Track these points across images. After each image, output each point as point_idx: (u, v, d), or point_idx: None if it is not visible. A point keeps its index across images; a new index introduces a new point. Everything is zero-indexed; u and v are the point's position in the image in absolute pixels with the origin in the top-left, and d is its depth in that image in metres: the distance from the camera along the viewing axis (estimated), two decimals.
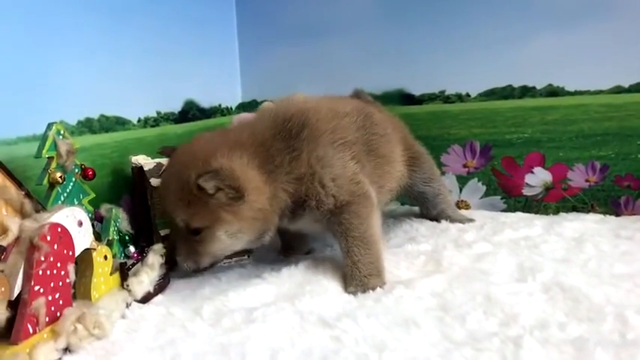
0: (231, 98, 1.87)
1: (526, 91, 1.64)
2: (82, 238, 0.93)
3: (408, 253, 1.23)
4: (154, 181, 1.24)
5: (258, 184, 1.03)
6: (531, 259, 1.14)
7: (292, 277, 1.11)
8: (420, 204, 1.56)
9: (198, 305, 0.99)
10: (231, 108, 1.87)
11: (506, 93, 1.66)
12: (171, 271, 1.15)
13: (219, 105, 1.80)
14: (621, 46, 1.53)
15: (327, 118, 1.15)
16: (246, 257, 1.29)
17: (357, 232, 1.08)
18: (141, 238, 1.27)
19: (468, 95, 1.70)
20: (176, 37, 1.61)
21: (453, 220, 1.49)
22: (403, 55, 1.75)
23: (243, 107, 1.92)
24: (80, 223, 0.93)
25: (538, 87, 1.63)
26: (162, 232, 1.23)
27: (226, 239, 1.03)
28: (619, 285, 0.98)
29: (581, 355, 0.74)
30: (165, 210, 1.06)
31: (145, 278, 1.04)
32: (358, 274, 1.06)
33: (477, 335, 0.82)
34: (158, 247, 1.12)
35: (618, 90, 1.56)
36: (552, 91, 1.62)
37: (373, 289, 1.03)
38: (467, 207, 1.72)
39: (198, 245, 1.03)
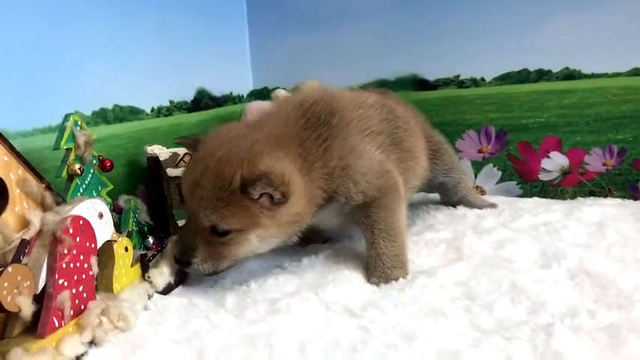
0: (243, 86, 1.86)
1: (542, 75, 1.62)
2: (103, 230, 0.93)
3: (428, 241, 1.21)
4: (171, 171, 1.22)
5: (300, 188, 0.97)
6: (554, 245, 1.12)
7: (313, 266, 1.10)
8: (440, 192, 1.54)
9: (221, 296, 0.98)
10: (243, 96, 1.85)
11: (521, 77, 1.64)
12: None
13: (231, 93, 1.78)
14: (638, 27, 1.50)
15: (353, 106, 1.12)
16: None
17: (384, 224, 1.06)
18: (157, 228, 1.27)
19: (483, 80, 1.68)
20: (187, 26, 1.59)
21: (474, 206, 1.48)
22: (417, 40, 1.73)
23: (255, 95, 1.90)
24: (101, 215, 0.92)
25: (554, 70, 1.60)
26: (181, 223, 1.22)
27: (256, 243, 0.97)
28: None
29: (614, 342, 0.73)
30: (191, 206, 0.97)
31: (166, 269, 1.03)
32: (382, 266, 1.04)
33: (505, 324, 0.81)
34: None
35: (636, 72, 1.53)
36: (569, 75, 1.59)
37: (396, 280, 1.02)
38: (482, 193, 1.71)
39: (222, 247, 0.96)
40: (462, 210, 1.44)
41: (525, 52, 1.62)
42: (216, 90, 1.70)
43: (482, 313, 0.85)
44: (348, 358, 0.75)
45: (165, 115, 1.48)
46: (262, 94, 1.89)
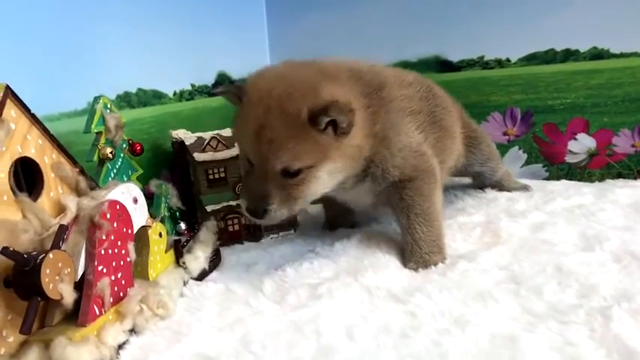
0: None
1: (569, 55, 1.58)
2: (139, 215, 0.90)
3: (461, 225, 1.19)
4: (198, 156, 1.20)
5: (360, 119, 0.94)
6: (592, 228, 1.10)
7: (347, 251, 1.08)
8: (473, 178, 1.51)
9: (258, 281, 0.96)
10: None
11: (548, 57, 1.60)
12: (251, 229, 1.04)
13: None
14: None
15: (397, 84, 1.10)
16: (292, 231, 1.26)
17: (420, 209, 1.04)
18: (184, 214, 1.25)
19: (508, 60, 1.64)
20: (206, 8, 1.56)
21: (506, 190, 1.45)
22: (440, 20, 1.69)
23: None
24: (135, 200, 0.90)
25: (582, 50, 1.57)
26: (209, 209, 1.20)
27: (326, 178, 0.94)
28: None
29: None
30: (259, 152, 0.91)
31: (201, 255, 1.01)
32: (419, 251, 1.02)
33: (558, 307, 0.79)
34: (211, 223, 1.09)
35: None
36: (597, 54, 1.56)
37: (435, 265, 1.00)
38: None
39: (295, 189, 0.92)
40: (491, 193, 1.41)
41: (552, 32, 1.58)
42: (235, 73, 1.67)
43: (531, 297, 0.83)
44: (400, 344, 0.73)
45: (187, 99, 1.45)
46: None
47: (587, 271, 0.90)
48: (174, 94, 1.40)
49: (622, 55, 1.54)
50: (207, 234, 1.06)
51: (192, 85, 1.47)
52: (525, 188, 1.46)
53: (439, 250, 1.04)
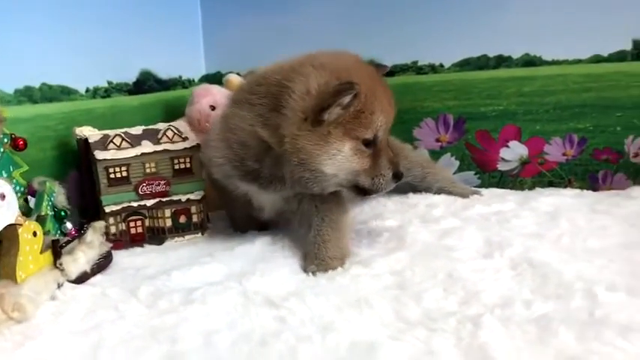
0: (194, 70, 1.78)
1: (502, 61, 1.56)
2: (5, 212, 0.85)
3: (371, 230, 1.16)
4: (99, 154, 1.15)
5: None
6: (500, 235, 1.07)
7: (246, 254, 1.04)
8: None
9: (137, 285, 0.90)
10: (194, 80, 1.77)
11: (481, 63, 1.58)
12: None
13: (180, 77, 1.71)
14: (600, 12, 1.45)
15: None
16: (199, 234, 1.21)
17: (335, 214, 1.05)
18: (89, 214, 1.19)
19: (441, 66, 1.62)
20: (133, 4, 1.51)
21: (454, 195, 1.41)
22: (374, 24, 1.66)
23: (207, 79, 1.82)
24: (3, 196, 0.85)
25: (514, 57, 1.55)
26: (108, 209, 1.14)
27: None
28: (592, 261, 0.92)
29: (544, 334, 0.68)
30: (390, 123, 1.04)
31: (81, 256, 0.95)
32: (323, 254, 1.00)
33: (433, 315, 0.75)
34: (99, 224, 1.04)
35: (597, 59, 1.49)
36: (529, 61, 1.54)
37: (334, 269, 0.97)
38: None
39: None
40: (414, 199, 1.38)
41: (485, 38, 1.56)
42: (164, 72, 1.62)
43: (410, 304, 0.79)
44: (255, 352, 0.68)
45: (103, 97, 1.39)
46: (215, 78, 1.80)
47: (477, 278, 0.87)
48: (87, 90, 1.35)
49: (554, 63, 1.52)
50: (93, 235, 1.00)
51: (110, 82, 1.41)
52: (476, 193, 1.44)
53: (341, 256, 1.01)
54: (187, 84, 1.73)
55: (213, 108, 1.53)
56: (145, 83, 1.55)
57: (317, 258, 1.00)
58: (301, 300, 0.80)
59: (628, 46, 1.46)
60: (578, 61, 1.50)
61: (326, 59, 1.00)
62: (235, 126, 1.02)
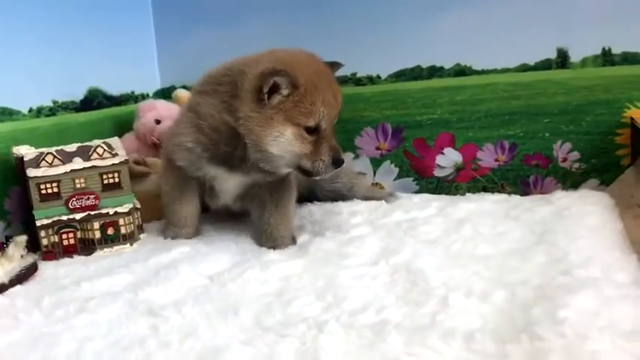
0: (148, 84, 1.85)
1: (434, 72, 1.62)
2: None
3: None
4: (31, 172, 1.23)
5: None
6: (400, 242, 1.13)
7: (156, 265, 1.10)
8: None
9: (43, 295, 0.98)
10: (148, 95, 1.85)
11: (415, 74, 1.64)
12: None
13: (132, 92, 1.78)
14: (526, 23, 1.51)
15: None
16: (128, 245, 1.29)
17: (285, 200, 1.26)
18: (29, 228, 1.27)
19: (378, 77, 1.68)
20: (81, 22, 1.58)
21: (371, 199, 1.49)
22: (316, 37, 1.72)
23: (163, 93, 1.89)
24: None
25: (446, 67, 1.61)
26: (39, 223, 1.22)
27: None
28: (468, 267, 0.98)
29: (376, 339, 0.74)
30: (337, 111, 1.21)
31: None
32: (276, 234, 1.21)
33: (290, 320, 0.81)
34: (21, 238, 1.11)
35: (524, 68, 1.54)
36: (460, 71, 1.60)
37: (286, 246, 1.18)
38: (382, 189, 1.71)
39: None
40: (340, 206, 1.43)
41: (418, 49, 1.62)
42: (114, 88, 1.70)
43: (276, 310, 0.85)
44: (116, 357, 0.75)
45: (48, 115, 1.47)
46: (170, 92, 1.88)
47: (351, 285, 0.93)
48: (30, 110, 1.43)
49: (484, 72, 1.58)
50: (14, 249, 1.08)
51: (55, 102, 1.50)
52: (392, 195, 1.53)
53: (290, 235, 1.23)
54: (141, 98, 1.80)
55: (158, 122, 1.61)
56: (94, 100, 1.62)
57: (271, 237, 1.21)
58: (178, 309, 0.87)
59: (553, 55, 1.51)
60: (507, 70, 1.56)
61: (281, 54, 1.17)
62: (205, 113, 1.15)
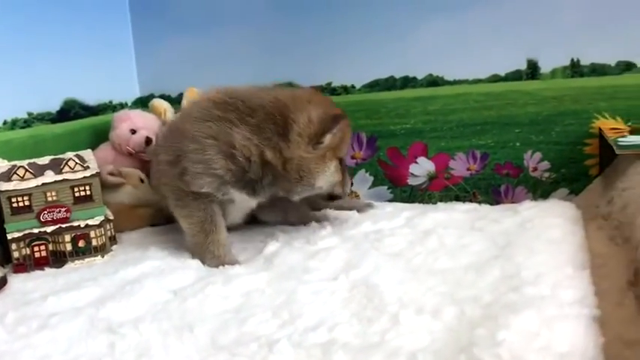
0: (127, 94, 1.86)
1: (407, 82, 1.64)
2: None
3: (256, 246, 1.26)
4: (2, 185, 1.24)
5: None
6: (364, 255, 1.14)
7: (122, 279, 1.11)
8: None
9: (6, 311, 0.99)
10: (126, 104, 1.86)
11: (388, 84, 1.66)
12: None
13: (110, 102, 1.79)
14: (496, 34, 1.53)
15: None
16: (99, 257, 1.30)
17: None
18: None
19: (353, 87, 1.70)
20: (55, 32, 1.59)
21: (345, 209, 1.51)
22: (291, 46, 1.75)
23: (142, 102, 1.91)
24: None
25: (419, 77, 1.63)
26: (10, 236, 1.24)
27: None
28: (425, 282, 0.99)
29: (324, 358, 0.76)
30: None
31: None
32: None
33: (244, 339, 0.83)
34: None
35: (496, 79, 1.56)
36: (432, 81, 1.62)
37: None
38: (357, 198, 1.73)
39: None
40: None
41: (391, 60, 1.64)
42: (91, 98, 1.71)
43: (232, 328, 0.87)
44: None
45: (23, 127, 1.49)
46: (149, 101, 1.89)
47: (309, 301, 0.94)
48: (5, 123, 1.44)
49: (456, 82, 1.60)
50: None
51: (30, 114, 1.51)
52: (369, 205, 1.55)
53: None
54: (119, 108, 1.82)
55: (133, 132, 1.62)
56: (70, 111, 1.64)
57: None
58: (135, 326, 0.89)
59: (523, 66, 1.53)
60: (478, 81, 1.57)
61: (309, 96, 1.24)
62: (239, 144, 1.17)
